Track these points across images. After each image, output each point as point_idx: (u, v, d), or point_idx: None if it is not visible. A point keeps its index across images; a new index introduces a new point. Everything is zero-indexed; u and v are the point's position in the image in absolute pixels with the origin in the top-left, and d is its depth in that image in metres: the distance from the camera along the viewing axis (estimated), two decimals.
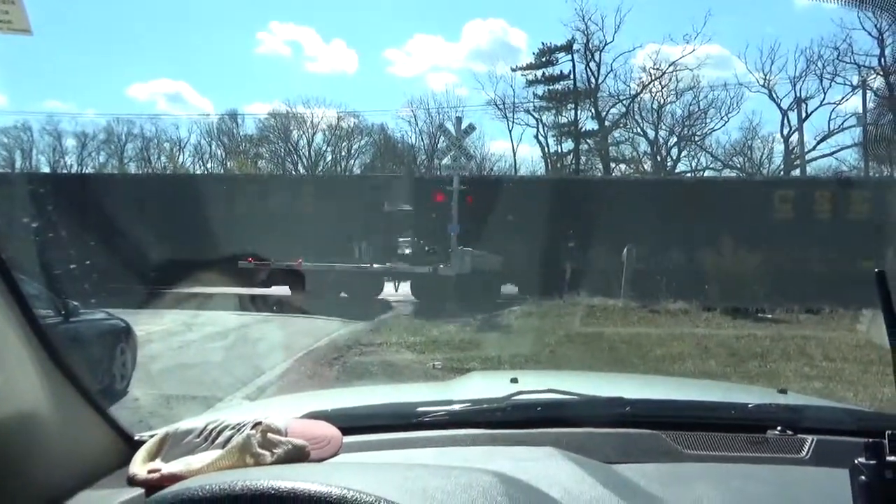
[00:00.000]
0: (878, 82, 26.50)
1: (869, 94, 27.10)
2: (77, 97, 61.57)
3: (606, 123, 35.10)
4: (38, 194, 18.29)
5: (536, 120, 36.80)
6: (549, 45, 35.11)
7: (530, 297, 14.05)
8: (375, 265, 16.12)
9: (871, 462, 0.79)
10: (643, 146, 36.26)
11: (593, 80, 34.80)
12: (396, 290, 17.01)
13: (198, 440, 1.11)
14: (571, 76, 34.90)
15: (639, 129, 35.59)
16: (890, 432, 0.81)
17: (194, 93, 64.30)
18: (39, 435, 1.04)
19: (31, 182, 20.66)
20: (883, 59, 27.20)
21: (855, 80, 30.08)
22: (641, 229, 15.04)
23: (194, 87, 65.89)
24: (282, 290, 15.85)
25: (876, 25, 26.29)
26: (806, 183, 22.89)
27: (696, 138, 35.31)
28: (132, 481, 1.05)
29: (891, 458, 0.79)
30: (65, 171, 36.74)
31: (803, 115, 31.54)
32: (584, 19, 34.08)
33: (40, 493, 1.02)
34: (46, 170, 38.21)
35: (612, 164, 35.33)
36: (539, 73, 35.42)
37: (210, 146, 43.21)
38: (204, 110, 58.72)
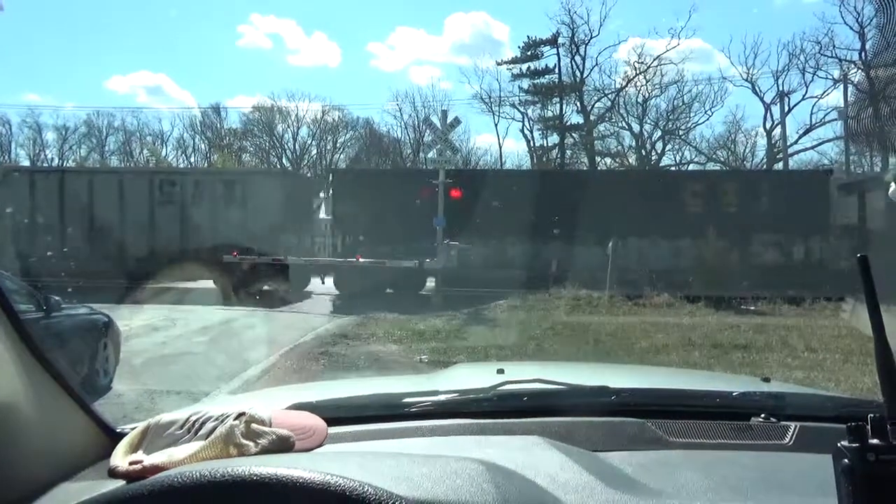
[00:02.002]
0: (858, 76, 26.79)
1: (850, 87, 27.39)
2: (55, 90, 60.90)
3: (592, 117, 35.20)
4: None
5: (522, 114, 36.93)
6: (534, 38, 35.18)
7: (514, 290, 14.06)
8: (361, 259, 16.07)
9: (854, 445, 0.80)
10: (628, 140, 36.49)
11: (578, 73, 34.93)
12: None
13: (180, 432, 1.10)
14: (556, 70, 35.00)
15: (624, 123, 35.80)
16: (872, 416, 0.82)
17: (175, 86, 63.75)
18: (19, 429, 1.03)
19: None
20: (863, 53, 27.52)
21: (836, 73, 30.47)
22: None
23: (175, 79, 65.36)
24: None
25: (857, 20, 26.61)
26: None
27: (681, 132, 35.57)
28: (113, 473, 1.04)
29: (873, 441, 0.80)
30: (45, 165, 36.22)
31: (786, 108, 31.87)
32: (569, 13, 34.21)
33: (20, 486, 1.01)
34: (26, 163, 37.70)
35: (598, 158, 35.48)
36: (524, 66, 35.48)
37: (193, 140, 42.85)
38: (185, 103, 58.12)
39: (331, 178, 21.88)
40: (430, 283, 16.60)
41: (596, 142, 35.44)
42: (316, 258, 16.14)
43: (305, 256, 16.82)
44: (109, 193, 17.71)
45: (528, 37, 35.79)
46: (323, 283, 16.62)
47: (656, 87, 34.35)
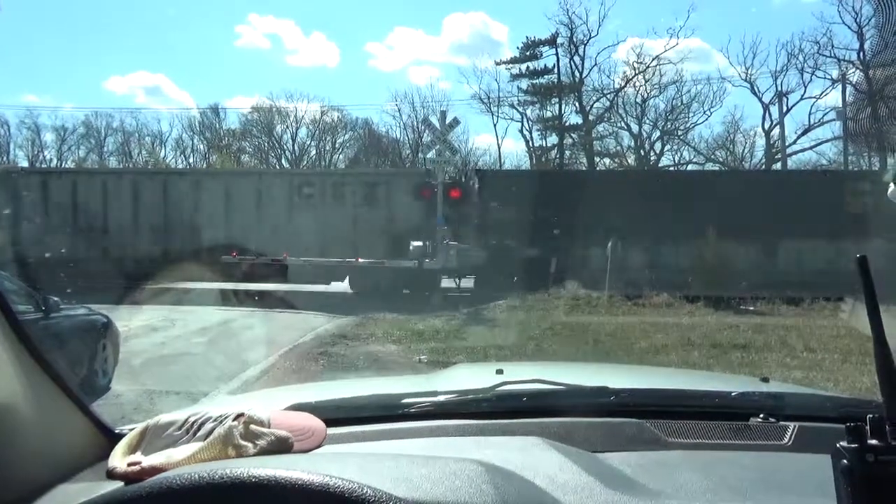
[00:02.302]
0: (857, 76, 26.81)
1: (848, 88, 27.42)
2: (54, 91, 60.87)
3: (591, 117, 35.21)
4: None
5: (521, 114, 36.93)
6: (532, 38, 35.21)
7: (513, 290, 14.01)
8: (360, 259, 16.05)
9: (853, 446, 0.80)
10: (627, 140, 36.49)
11: (577, 74, 34.95)
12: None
13: (179, 433, 1.10)
14: (555, 70, 35.02)
15: (622, 124, 35.80)
16: (871, 416, 0.82)
17: (173, 86, 63.56)
18: (17, 430, 1.02)
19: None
20: (862, 53, 27.55)
21: (835, 74, 30.50)
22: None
23: (173, 80, 65.22)
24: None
25: (855, 19, 26.65)
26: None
27: (679, 132, 35.56)
28: (111, 474, 1.04)
29: (872, 442, 0.80)
30: (44, 166, 36.19)
31: (784, 108, 31.89)
32: (567, 13, 34.23)
33: (18, 487, 1.00)
34: (25, 164, 37.67)
35: (597, 159, 35.49)
36: (523, 67, 35.51)
37: (192, 140, 42.81)
38: (184, 104, 58.08)
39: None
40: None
41: (595, 142, 35.46)
42: (316, 257, 16.05)
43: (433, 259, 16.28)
44: (215, 195, 17.34)
45: (526, 37, 35.90)
46: (457, 284, 16.29)
47: (655, 87, 34.41)
